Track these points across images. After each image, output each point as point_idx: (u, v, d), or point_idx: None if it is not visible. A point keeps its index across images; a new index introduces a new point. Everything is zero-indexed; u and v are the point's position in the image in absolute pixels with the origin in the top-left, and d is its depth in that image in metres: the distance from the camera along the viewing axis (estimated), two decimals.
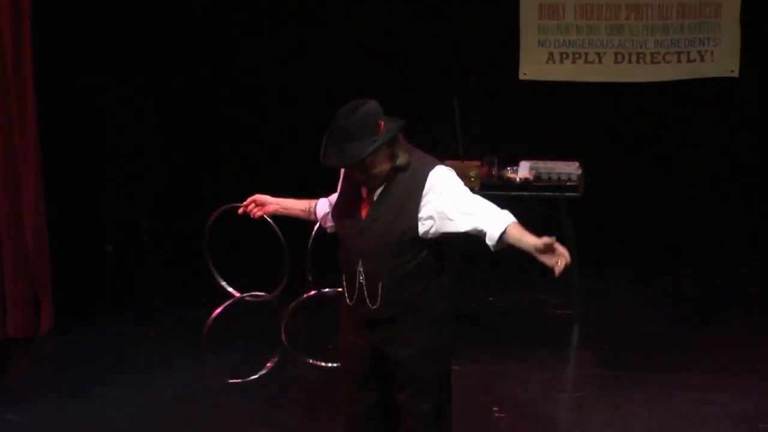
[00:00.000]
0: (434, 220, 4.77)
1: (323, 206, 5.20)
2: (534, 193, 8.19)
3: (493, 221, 4.74)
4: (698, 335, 8.16)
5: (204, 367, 5.57)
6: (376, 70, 10.51)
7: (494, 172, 8.24)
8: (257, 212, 5.24)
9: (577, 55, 10.37)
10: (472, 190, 7.94)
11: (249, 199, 5.25)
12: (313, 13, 10.68)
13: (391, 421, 5.00)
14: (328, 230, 5.18)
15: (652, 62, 10.28)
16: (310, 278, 5.26)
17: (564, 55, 10.39)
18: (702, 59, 10.22)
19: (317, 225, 5.18)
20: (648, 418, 6.72)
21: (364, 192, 4.88)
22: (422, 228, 4.77)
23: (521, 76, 10.48)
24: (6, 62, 7.85)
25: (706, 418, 6.70)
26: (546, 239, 4.58)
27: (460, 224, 4.77)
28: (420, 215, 4.77)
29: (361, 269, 4.83)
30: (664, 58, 10.25)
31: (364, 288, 4.83)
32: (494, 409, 6.90)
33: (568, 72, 10.39)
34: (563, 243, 8.22)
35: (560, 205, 8.16)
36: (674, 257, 10.00)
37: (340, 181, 5.03)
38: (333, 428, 6.25)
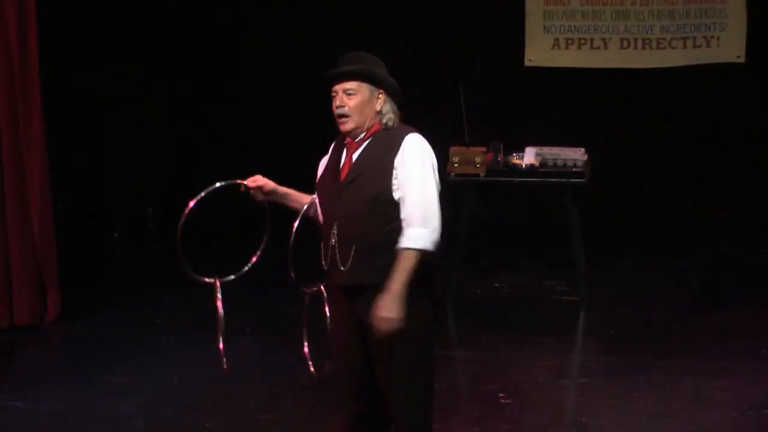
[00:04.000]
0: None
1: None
2: (540, 180, 8.18)
3: (410, 232, 4.70)
4: (705, 322, 8.15)
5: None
6: (382, 57, 10.49)
7: (500, 158, 8.23)
8: (260, 197, 5.20)
9: (582, 41, 10.36)
10: (477, 176, 8.06)
11: (254, 181, 5.10)
12: None
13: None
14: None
15: (658, 48, 10.27)
16: (292, 274, 5.12)
17: (569, 41, 10.38)
18: (708, 45, 10.20)
19: (298, 218, 5.01)
20: (654, 404, 6.72)
21: (344, 156, 4.87)
22: (396, 193, 4.74)
23: (527, 63, 10.48)
24: (11, 55, 7.85)
25: (712, 404, 6.70)
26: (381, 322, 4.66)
27: (403, 202, 4.74)
28: (393, 179, 4.74)
29: (335, 231, 4.78)
30: (670, 43, 10.23)
31: (336, 251, 4.78)
32: (500, 395, 6.90)
33: (574, 58, 10.38)
34: (569, 229, 8.24)
35: (566, 192, 8.15)
36: (680, 244, 10.00)
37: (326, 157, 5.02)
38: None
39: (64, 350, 8.11)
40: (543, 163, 8.18)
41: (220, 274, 5.20)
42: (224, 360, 5.17)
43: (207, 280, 5.17)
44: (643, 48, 10.29)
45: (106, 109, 10.32)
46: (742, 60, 10.17)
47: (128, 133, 10.55)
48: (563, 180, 8.14)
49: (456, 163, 8.08)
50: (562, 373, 7.36)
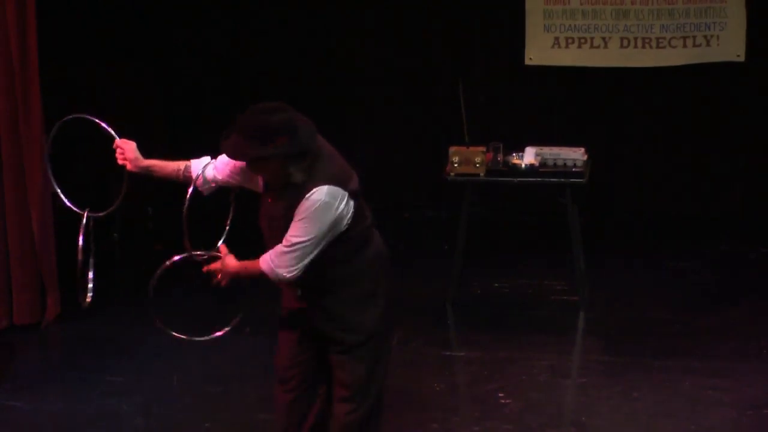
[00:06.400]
0: None
1: (198, 166, 5.36)
2: (539, 179, 8.18)
3: (270, 258, 5.02)
4: (704, 321, 8.15)
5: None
6: (381, 55, 10.49)
7: (499, 158, 8.23)
8: (121, 160, 5.51)
9: (582, 40, 10.35)
10: (477, 176, 8.06)
11: (124, 142, 5.61)
12: None
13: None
14: (204, 192, 5.37)
15: (658, 47, 10.26)
16: (186, 244, 5.33)
17: (570, 40, 10.37)
18: (708, 44, 10.19)
19: (191, 187, 5.24)
20: (654, 404, 6.72)
21: (263, 199, 5.19)
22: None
23: (527, 62, 10.46)
24: (11, 52, 7.85)
25: (712, 404, 6.71)
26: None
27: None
28: None
29: None
30: (669, 42, 10.23)
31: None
32: (500, 395, 6.90)
33: (574, 57, 10.37)
34: (569, 229, 8.24)
35: (566, 192, 8.15)
36: (680, 243, 9.99)
37: None
38: None
39: (64, 350, 8.11)
40: (543, 163, 8.18)
41: None
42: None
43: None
44: (643, 47, 10.29)
45: (106, 109, 10.30)
46: (742, 59, 10.16)
47: (128, 134, 10.52)
48: (563, 180, 8.14)
49: (456, 163, 8.09)
50: (562, 373, 7.37)
